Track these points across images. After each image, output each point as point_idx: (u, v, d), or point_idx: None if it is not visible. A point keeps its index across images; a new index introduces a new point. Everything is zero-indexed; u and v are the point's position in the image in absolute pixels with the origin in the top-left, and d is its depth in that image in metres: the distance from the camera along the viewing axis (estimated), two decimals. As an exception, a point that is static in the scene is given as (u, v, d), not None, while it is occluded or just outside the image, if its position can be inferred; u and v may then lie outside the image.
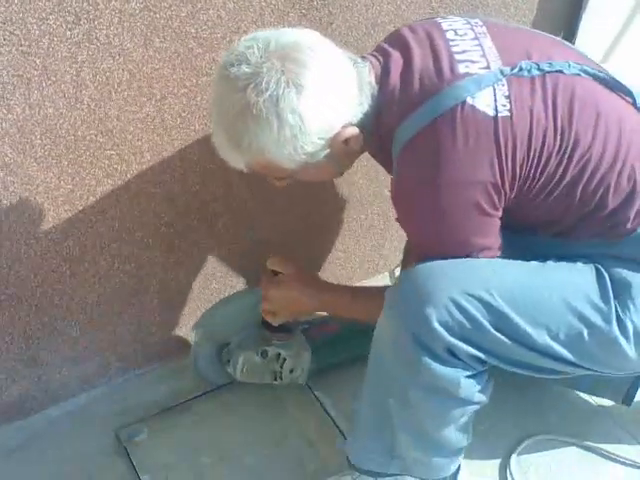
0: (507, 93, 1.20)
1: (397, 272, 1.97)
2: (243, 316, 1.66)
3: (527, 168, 1.21)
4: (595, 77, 1.29)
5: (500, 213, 1.25)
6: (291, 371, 1.67)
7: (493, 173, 1.19)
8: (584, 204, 1.26)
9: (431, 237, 1.29)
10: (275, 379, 1.67)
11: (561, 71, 1.24)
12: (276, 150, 1.18)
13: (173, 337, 1.71)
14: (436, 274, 1.24)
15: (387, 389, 1.32)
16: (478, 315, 1.22)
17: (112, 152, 1.41)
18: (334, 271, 1.98)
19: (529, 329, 1.24)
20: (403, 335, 1.23)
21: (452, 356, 1.24)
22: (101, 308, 1.60)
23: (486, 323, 1.22)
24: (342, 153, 1.26)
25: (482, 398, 1.32)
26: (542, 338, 1.25)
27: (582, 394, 1.78)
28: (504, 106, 1.19)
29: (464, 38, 1.26)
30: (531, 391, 1.77)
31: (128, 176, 1.46)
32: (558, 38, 1.40)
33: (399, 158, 1.25)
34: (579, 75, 1.26)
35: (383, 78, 1.24)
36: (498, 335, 1.23)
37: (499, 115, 1.18)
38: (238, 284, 1.81)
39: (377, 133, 1.28)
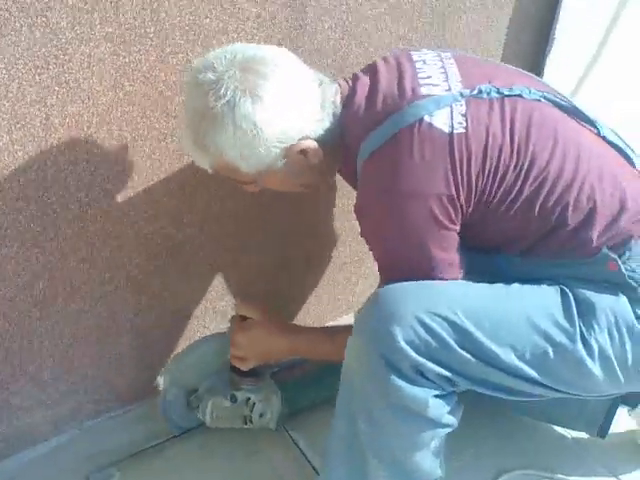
0: (464, 112, 1.27)
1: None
2: (211, 361, 1.65)
3: (483, 182, 1.26)
4: (556, 104, 1.35)
5: (458, 227, 1.29)
6: (261, 415, 1.66)
7: (448, 186, 1.25)
8: (543, 221, 1.29)
9: (391, 250, 1.33)
10: (245, 423, 1.66)
11: (521, 95, 1.32)
12: (233, 153, 1.26)
13: (147, 378, 1.69)
14: (402, 294, 1.27)
15: (357, 412, 1.32)
16: (444, 334, 1.24)
17: (81, 194, 1.42)
18: (307, 309, 1.99)
19: (494, 348, 1.25)
20: (371, 355, 1.25)
21: (420, 375, 1.25)
22: (73, 351, 1.58)
23: (452, 342, 1.24)
24: (301, 164, 1.32)
25: (451, 420, 1.32)
26: (508, 357, 1.26)
27: (557, 427, 1.78)
28: (460, 124, 1.26)
29: (431, 66, 1.35)
30: (507, 426, 1.77)
31: (98, 218, 1.46)
32: (525, 71, 1.47)
33: (361, 171, 1.32)
34: (539, 101, 1.33)
35: (349, 99, 1.33)
36: (464, 354, 1.25)
37: (454, 132, 1.25)
38: (211, 324, 1.80)
39: (343, 150, 1.35)
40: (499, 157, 1.26)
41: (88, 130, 1.37)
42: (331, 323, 2.03)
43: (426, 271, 1.30)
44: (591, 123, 1.39)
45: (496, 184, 1.27)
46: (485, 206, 1.28)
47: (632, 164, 1.39)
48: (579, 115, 1.38)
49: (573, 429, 1.76)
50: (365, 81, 1.35)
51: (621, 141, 1.42)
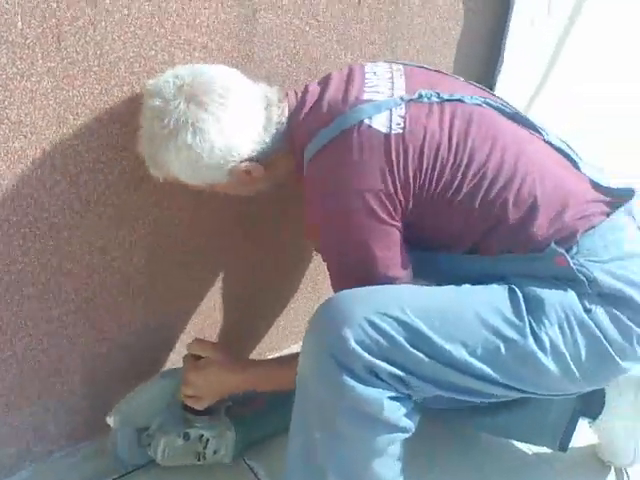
0: (403, 114, 1.34)
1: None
2: (163, 399, 1.63)
3: (421, 179, 1.32)
4: (499, 109, 1.42)
5: (399, 224, 1.34)
6: (215, 452, 1.63)
7: (385, 182, 1.31)
8: (485, 216, 1.34)
9: (335, 248, 1.39)
10: (198, 459, 1.63)
11: (461, 100, 1.38)
12: (179, 173, 1.36)
13: (97, 415, 1.65)
14: (351, 298, 1.30)
15: (312, 421, 1.32)
16: (394, 333, 1.25)
17: (26, 230, 1.39)
18: (263, 339, 1.97)
19: (445, 345, 1.27)
20: (323, 358, 1.26)
21: (373, 376, 1.26)
22: (19, 391, 1.54)
23: (402, 340, 1.26)
24: (248, 180, 1.41)
25: (408, 424, 1.32)
26: (460, 354, 1.27)
27: (518, 443, 1.79)
28: (398, 125, 1.33)
29: (379, 78, 1.43)
30: (469, 443, 1.78)
31: (45, 253, 1.43)
32: (476, 83, 1.53)
33: (306, 173, 1.39)
34: (480, 105, 1.40)
35: (296, 110, 1.41)
36: (415, 352, 1.26)
37: (392, 132, 1.32)
38: (164, 359, 1.78)
39: (293, 158, 1.41)
40: (436, 155, 1.32)
41: (32, 165, 1.34)
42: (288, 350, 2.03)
43: (370, 270, 1.34)
44: (536, 129, 1.44)
45: (434, 181, 1.33)
46: (426, 202, 1.33)
47: (577, 167, 1.44)
48: (523, 121, 1.44)
49: (534, 444, 1.76)
50: (315, 91, 1.42)
51: (566, 146, 1.48)
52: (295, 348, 2.01)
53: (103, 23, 1.29)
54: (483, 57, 2.00)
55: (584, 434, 1.72)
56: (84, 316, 1.56)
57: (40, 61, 1.26)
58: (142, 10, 1.32)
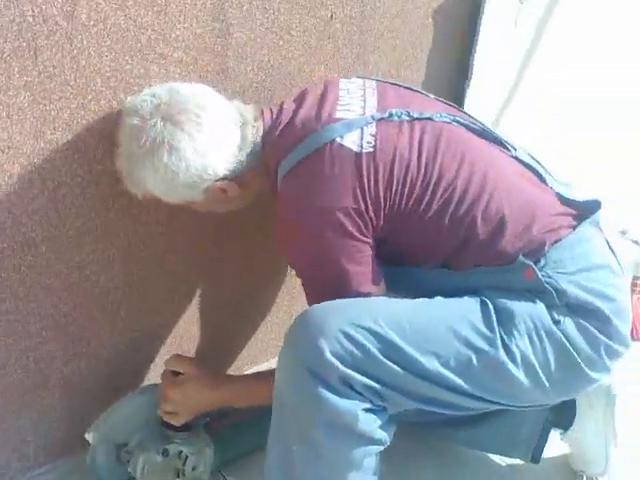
0: (374, 133, 1.37)
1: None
2: (142, 416, 1.61)
3: (391, 196, 1.35)
4: (467, 127, 1.45)
5: (370, 240, 1.36)
6: (194, 468, 1.62)
7: (356, 200, 1.33)
8: (454, 232, 1.36)
9: (307, 264, 1.41)
10: (177, 476, 1.62)
11: (431, 119, 1.41)
12: (156, 190, 1.39)
13: (77, 431, 1.64)
14: (326, 310, 1.31)
15: (289, 434, 1.33)
16: (368, 344, 1.27)
17: (4, 245, 1.39)
18: (242, 352, 1.98)
19: (418, 356, 1.29)
20: (299, 370, 1.27)
21: (348, 388, 1.27)
22: (-1, 406, 1.54)
23: (376, 352, 1.27)
24: (223, 198, 1.43)
25: (383, 436, 1.33)
26: (432, 365, 1.29)
27: (492, 455, 1.80)
28: (369, 143, 1.35)
29: (352, 96, 1.46)
30: (444, 456, 1.78)
31: (22, 269, 1.43)
32: (446, 101, 1.57)
33: (279, 191, 1.41)
34: (449, 123, 1.43)
35: (271, 129, 1.43)
36: (389, 364, 1.28)
37: (363, 151, 1.34)
38: (144, 373, 1.78)
39: (268, 176, 1.43)
40: (406, 173, 1.35)
41: (9, 180, 1.34)
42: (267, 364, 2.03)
43: (342, 286, 1.36)
44: (504, 145, 1.48)
45: (404, 198, 1.35)
46: (396, 219, 1.36)
47: (544, 181, 1.47)
48: (491, 137, 1.48)
49: (507, 456, 1.77)
50: (289, 109, 1.44)
51: (534, 161, 1.51)
52: (274, 362, 2.01)
53: (79, 37, 1.30)
54: (453, 71, 2.04)
55: (556, 444, 1.74)
56: (63, 331, 1.56)
57: (17, 75, 1.26)
58: (118, 24, 1.34)
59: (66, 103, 1.35)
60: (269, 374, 1.55)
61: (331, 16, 1.65)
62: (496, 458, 1.80)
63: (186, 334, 1.81)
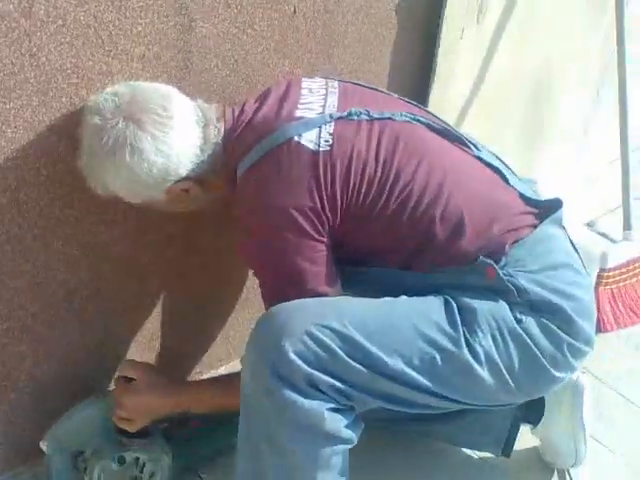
0: (331, 132, 1.37)
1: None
2: (97, 422, 1.60)
3: (348, 195, 1.35)
4: (428, 126, 1.46)
5: (326, 239, 1.36)
6: (152, 475, 1.60)
7: (312, 198, 1.33)
8: (413, 232, 1.37)
9: (262, 262, 1.41)
10: None
11: (391, 118, 1.41)
12: (118, 190, 1.39)
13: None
14: (290, 310, 1.32)
15: (257, 434, 1.33)
16: (332, 344, 1.28)
17: (-33, 246, 1.38)
18: (213, 349, 1.97)
19: (382, 356, 1.29)
20: (263, 371, 1.27)
21: (313, 388, 1.27)
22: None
23: (340, 352, 1.28)
24: (186, 197, 1.43)
25: (350, 435, 1.33)
26: (397, 364, 1.30)
27: (464, 449, 1.81)
28: (327, 142, 1.36)
29: (314, 94, 1.47)
30: (415, 449, 1.80)
31: (-12, 270, 1.42)
32: (408, 100, 1.58)
33: (238, 190, 1.41)
34: (410, 122, 1.43)
35: (232, 130, 1.43)
36: (353, 363, 1.28)
37: (320, 150, 1.35)
38: (114, 373, 1.74)
39: (228, 176, 1.43)
40: (363, 172, 1.35)
41: (-30, 180, 1.33)
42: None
43: (297, 285, 1.36)
44: (465, 144, 1.47)
45: (361, 197, 1.35)
46: (353, 218, 1.36)
47: (506, 181, 1.47)
48: (453, 137, 1.48)
49: (478, 450, 1.80)
50: (250, 109, 1.45)
51: (497, 161, 1.51)
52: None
53: (38, 34, 1.28)
54: (417, 65, 2.04)
55: (528, 439, 1.77)
56: (31, 332, 1.54)
57: (-25, 74, 1.25)
58: (78, 21, 1.32)
59: (27, 101, 1.33)
60: (225, 379, 1.61)
61: (294, 10, 1.65)
62: (467, 451, 1.82)
63: (156, 333, 1.80)
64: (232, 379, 1.49)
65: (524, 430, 1.73)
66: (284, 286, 1.38)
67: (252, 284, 1.94)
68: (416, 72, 2.04)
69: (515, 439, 1.70)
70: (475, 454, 1.80)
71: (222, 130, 1.43)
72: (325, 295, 1.37)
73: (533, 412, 1.71)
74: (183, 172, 1.39)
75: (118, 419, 1.56)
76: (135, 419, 1.56)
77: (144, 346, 1.79)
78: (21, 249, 1.45)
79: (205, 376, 1.95)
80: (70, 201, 1.48)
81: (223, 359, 2.01)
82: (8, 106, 1.32)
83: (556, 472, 1.79)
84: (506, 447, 1.71)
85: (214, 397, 1.54)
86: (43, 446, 1.56)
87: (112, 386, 1.67)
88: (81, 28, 1.34)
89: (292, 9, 1.65)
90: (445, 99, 2.10)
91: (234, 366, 1.96)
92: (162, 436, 1.65)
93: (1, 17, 1.24)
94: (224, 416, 1.55)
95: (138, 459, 1.59)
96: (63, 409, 1.60)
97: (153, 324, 1.79)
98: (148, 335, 1.78)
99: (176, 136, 1.36)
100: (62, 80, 1.36)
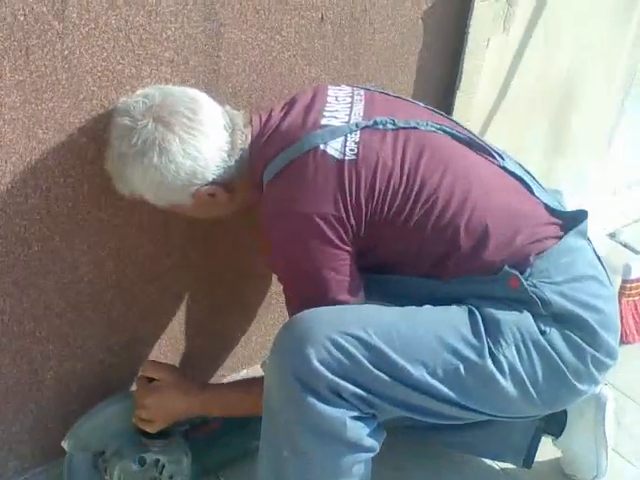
0: (357, 141, 1.37)
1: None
2: (118, 423, 1.60)
3: (373, 205, 1.35)
4: (453, 136, 1.45)
5: (350, 248, 1.36)
6: (171, 477, 1.60)
7: (337, 207, 1.33)
8: (437, 243, 1.37)
9: (286, 269, 1.42)
10: None
11: (416, 127, 1.41)
12: (145, 192, 1.39)
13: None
14: (314, 318, 1.31)
15: (280, 439, 1.32)
16: (356, 352, 1.27)
17: (-3, 244, 1.40)
18: (236, 353, 1.98)
19: (406, 365, 1.29)
20: (286, 378, 1.27)
21: (336, 396, 1.27)
22: (-6, 408, 1.54)
23: (364, 360, 1.27)
24: (210, 203, 1.44)
25: (372, 443, 1.33)
26: (420, 374, 1.29)
27: (485, 460, 1.80)
28: (352, 151, 1.36)
29: (340, 102, 1.47)
30: (436, 460, 1.79)
31: (15, 269, 1.44)
32: (434, 109, 1.57)
33: (263, 197, 1.42)
34: (435, 132, 1.43)
35: (258, 137, 1.44)
36: (377, 372, 1.28)
37: (345, 159, 1.35)
38: (137, 374, 1.76)
39: (254, 183, 1.44)
40: (388, 182, 1.35)
41: (1, 179, 1.35)
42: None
43: (319, 293, 1.36)
44: (490, 154, 1.47)
45: (386, 207, 1.35)
46: (377, 227, 1.36)
47: (531, 192, 1.46)
48: (477, 147, 1.47)
49: (499, 460, 1.79)
50: (277, 116, 1.46)
51: (522, 171, 1.51)
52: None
53: (71, 36, 1.31)
54: (443, 74, 2.04)
55: (549, 450, 1.76)
56: (57, 331, 1.56)
57: (8, 74, 1.27)
58: (109, 24, 1.34)
59: (58, 103, 1.35)
60: (246, 384, 1.60)
61: (322, 17, 1.66)
62: (489, 462, 1.80)
63: (179, 335, 1.81)
64: (253, 384, 1.51)
65: (546, 441, 1.72)
66: (307, 294, 1.38)
67: (275, 289, 1.94)
68: (442, 80, 2.04)
69: (536, 450, 1.69)
70: (496, 465, 1.79)
71: (249, 136, 1.44)
72: (346, 304, 1.37)
73: (555, 424, 1.70)
74: (210, 176, 1.39)
75: (138, 420, 1.57)
76: (155, 420, 1.56)
77: (167, 348, 1.80)
78: (49, 249, 1.47)
79: (227, 379, 1.96)
80: (98, 203, 1.50)
81: (245, 362, 2.01)
82: (40, 107, 1.34)
83: (577, 484, 1.78)
84: (527, 458, 1.70)
85: (234, 401, 1.54)
86: (64, 445, 1.57)
87: (134, 387, 1.68)
88: (112, 31, 1.36)
89: (320, 16, 1.66)
90: (470, 108, 2.10)
91: (256, 369, 1.98)
92: (182, 438, 1.66)
93: (34, 19, 1.26)
94: (244, 419, 1.56)
95: (158, 460, 1.59)
96: (87, 409, 1.62)
97: (177, 326, 1.80)
98: (172, 337, 1.80)
99: (204, 140, 1.37)
100: (93, 83, 1.38)
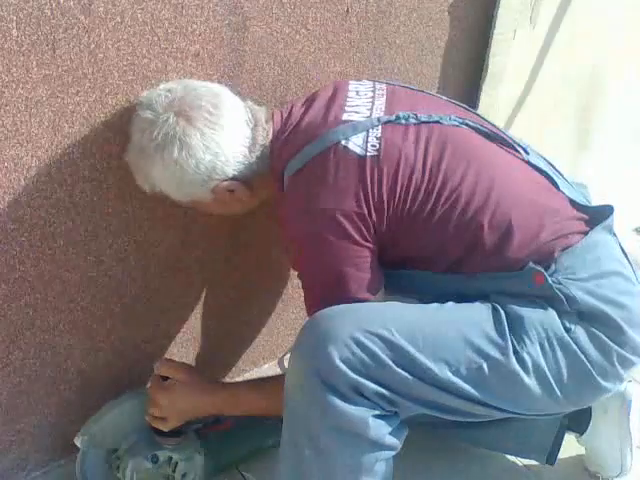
0: (379, 136, 1.36)
1: (286, 360, 1.98)
2: (132, 420, 1.60)
3: (395, 200, 1.33)
4: (477, 130, 1.43)
5: (371, 245, 1.35)
6: (184, 475, 1.60)
7: (359, 204, 1.32)
8: (460, 239, 1.35)
9: (306, 264, 1.40)
10: None
11: (439, 122, 1.39)
12: (164, 186, 1.39)
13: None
14: (336, 316, 1.30)
15: (301, 438, 1.31)
16: (379, 351, 1.26)
17: (23, 238, 1.40)
18: (257, 347, 1.98)
19: (429, 364, 1.27)
20: (308, 376, 1.26)
21: (358, 395, 1.26)
22: (15, 400, 1.54)
23: (387, 359, 1.26)
24: (230, 199, 1.43)
25: (394, 442, 1.32)
26: (443, 373, 1.28)
27: (509, 456, 1.79)
28: (374, 147, 1.35)
29: (361, 97, 1.46)
30: (458, 455, 1.78)
31: (41, 262, 1.44)
32: (457, 102, 1.55)
33: (284, 193, 1.40)
34: (458, 126, 1.41)
35: (279, 133, 1.43)
36: (399, 371, 1.27)
37: (367, 154, 1.34)
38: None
39: (274, 180, 1.42)
40: (410, 178, 1.33)
41: (28, 173, 1.35)
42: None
43: (340, 290, 1.35)
44: (515, 148, 1.45)
45: (408, 203, 1.34)
46: (399, 224, 1.35)
47: (556, 186, 1.44)
48: (501, 141, 1.46)
49: (522, 457, 1.77)
50: (297, 113, 1.45)
51: (547, 165, 1.49)
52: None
53: (97, 30, 1.30)
54: (469, 67, 2.03)
55: (573, 447, 1.75)
56: (81, 325, 1.57)
57: (35, 69, 1.27)
58: (135, 18, 1.34)
59: (84, 97, 1.35)
60: (261, 383, 1.59)
61: (347, 10, 1.65)
62: (512, 457, 1.79)
63: (202, 329, 1.82)
64: (268, 383, 1.52)
65: (569, 438, 1.71)
66: (326, 291, 1.37)
67: (298, 282, 1.93)
68: (467, 73, 2.03)
69: (560, 447, 1.67)
70: (519, 461, 1.78)
71: (270, 132, 1.44)
72: (367, 302, 1.36)
73: (579, 421, 1.68)
74: (230, 172, 1.39)
75: (152, 418, 1.57)
76: (168, 418, 1.56)
77: (189, 342, 1.80)
78: (74, 243, 1.47)
79: (249, 373, 1.97)
80: (122, 197, 1.50)
81: (267, 357, 2.02)
82: (66, 101, 1.34)
83: (601, 481, 1.77)
84: (551, 455, 1.68)
85: (249, 402, 1.54)
86: (77, 442, 1.57)
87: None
88: (138, 25, 1.36)
89: (345, 9, 1.65)
90: (496, 101, 2.09)
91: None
92: (195, 436, 1.66)
93: (61, 13, 1.26)
94: (257, 418, 1.55)
95: (171, 458, 1.59)
96: (111, 399, 1.62)
97: (199, 321, 1.80)
98: (194, 331, 1.80)
99: (225, 135, 1.36)
100: (118, 77, 1.38)
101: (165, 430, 1.57)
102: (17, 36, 1.23)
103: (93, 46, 1.32)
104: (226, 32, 1.48)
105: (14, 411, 1.55)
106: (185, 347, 1.80)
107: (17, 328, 1.47)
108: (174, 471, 1.60)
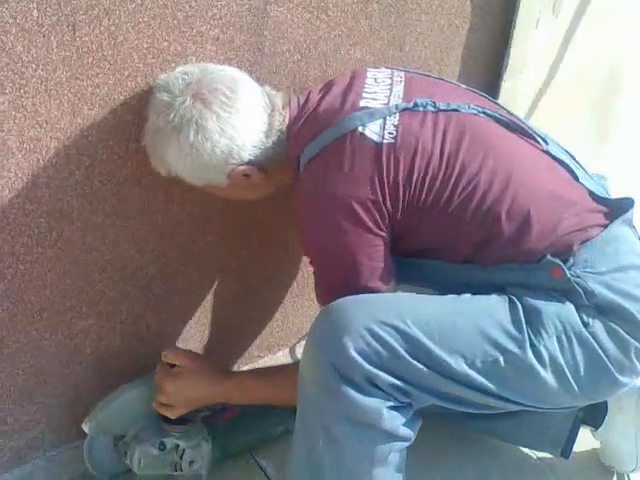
0: (396, 123, 1.35)
1: (298, 349, 1.99)
2: (139, 407, 1.61)
3: (411, 189, 1.32)
4: (495, 119, 1.42)
5: (385, 234, 1.34)
6: (191, 462, 1.61)
7: (374, 191, 1.31)
8: (477, 229, 1.34)
9: (318, 251, 1.40)
10: (175, 470, 1.62)
11: (457, 110, 1.38)
12: (180, 170, 1.38)
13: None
14: (351, 306, 1.29)
15: (314, 428, 1.32)
16: (394, 343, 1.26)
17: (41, 220, 1.40)
18: (272, 334, 1.98)
19: (445, 356, 1.27)
20: (323, 367, 1.26)
21: (373, 386, 1.26)
22: (32, 380, 1.55)
23: (402, 351, 1.26)
24: (245, 183, 1.42)
25: (408, 433, 1.31)
26: (459, 366, 1.27)
27: (523, 448, 1.79)
28: (390, 134, 1.33)
29: (379, 84, 1.45)
30: (472, 447, 1.78)
31: (59, 244, 1.44)
32: (477, 91, 1.54)
33: (299, 180, 1.40)
34: (476, 115, 1.40)
35: (296, 119, 1.42)
36: (415, 363, 1.26)
37: (384, 142, 1.32)
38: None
39: (290, 166, 1.42)
40: (427, 166, 1.32)
41: (46, 155, 1.35)
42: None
43: (351, 278, 1.34)
44: (534, 138, 1.44)
45: (424, 191, 1.33)
46: (415, 213, 1.34)
47: (575, 178, 1.42)
48: (521, 130, 1.44)
49: (536, 450, 1.77)
50: (314, 99, 1.44)
51: (567, 156, 1.47)
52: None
53: (117, 12, 1.30)
54: (490, 56, 2.01)
55: (588, 441, 1.74)
56: (97, 307, 1.57)
57: (55, 50, 1.27)
58: (156, 1, 1.33)
59: (103, 79, 1.35)
60: (268, 372, 1.60)
61: (368, -4, 1.64)
62: (526, 450, 1.79)
63: (216, 314, 1.82)
64: (276, 373, 1.53)
65: (584, 432, 1.70)
66: (337, 279, 1.37)
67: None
68: (488, 63, 2.01)
69: (575, 440, 1.67)
70: (534, 454, 1.78)
71: (287, 118, 1.43)
72: (377, 291, 1.36)
73: (595, 414, 1.67)
74: (245, 156, 1.38)
75: (159, 405, 1.57)
76: (175, 405, 1.56)
77: (204, 326, 1.81)
78: (92, 225, 1.47)
79: (264, 359, 1.97)
80: (140, 180, 1.50)
81: (282, 343, 2.02)
82: (85, 83, 1.34)
83: (616, 476, 1.76)
84: (565, 448, 1.68)
85: (257, 391, 1.54)
86: (85, 428, 1.57)
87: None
88: (158, 8, 1.35)
89: (366, -5, 1.64)
90: (516, 91, 2.07)
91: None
92: (202, 424, 1.66)
93: (82, -5, 1.25)
94: (265, 406, 1.55)
95: (178, 446, 1.60)
96: (126, 381, 1.63)
97: (214, 305, 1.80)
98: (210, 316, 1.80)
99: (241, 119, 1.36)
100: (138, 59, 1.37)
101: (172, 417, 1.58)
102: (37, 17, 1.23)
103: (113, 28, 1.32)
104: (246, 17, 1.47)
105: (29, 392, 1.56)
106: (200, 331, 1.80)
107: (34, 309, 1.48)
108: (181, 458, 1.60)
